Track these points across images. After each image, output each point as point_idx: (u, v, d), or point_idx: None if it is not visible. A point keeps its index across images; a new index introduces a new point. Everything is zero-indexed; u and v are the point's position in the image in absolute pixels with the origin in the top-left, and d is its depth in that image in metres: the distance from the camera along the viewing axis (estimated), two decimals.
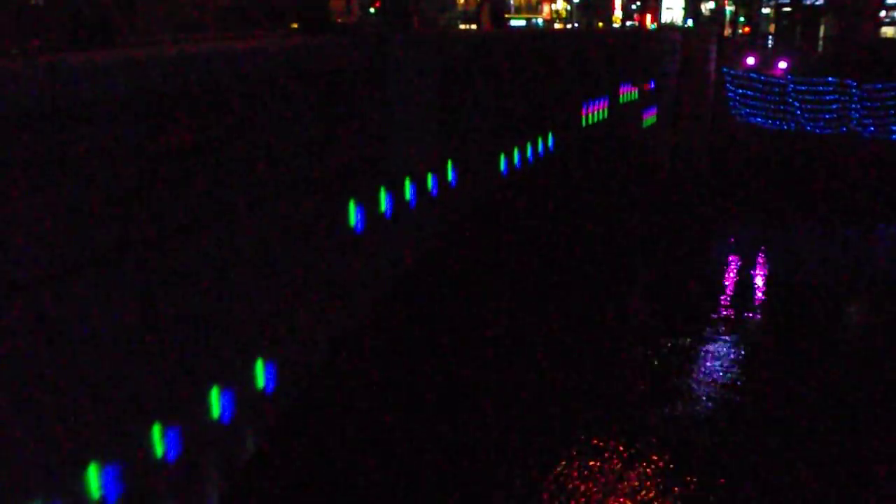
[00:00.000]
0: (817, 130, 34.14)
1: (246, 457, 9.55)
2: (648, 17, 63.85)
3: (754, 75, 38.34)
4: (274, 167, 10.00)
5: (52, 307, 6.70)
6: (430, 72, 14.16)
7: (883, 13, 48.00)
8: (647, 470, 15.57)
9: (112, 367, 7.34)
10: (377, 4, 17.87)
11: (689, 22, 72.63)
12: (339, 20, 16.23)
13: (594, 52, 23.90)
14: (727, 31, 62.36)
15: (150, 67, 7.61)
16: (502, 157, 18.62)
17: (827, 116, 34.51)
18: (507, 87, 18.36)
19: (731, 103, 36.45)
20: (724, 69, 37.87)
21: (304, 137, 10.63)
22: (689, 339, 21.48)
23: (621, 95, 27.16)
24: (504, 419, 17.02)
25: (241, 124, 9.17)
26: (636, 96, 28.54)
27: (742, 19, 64.25)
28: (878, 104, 34.66)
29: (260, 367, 9.73)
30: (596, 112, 24.85)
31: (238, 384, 9.29)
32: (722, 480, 15.34)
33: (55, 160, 6.67)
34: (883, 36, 47.33)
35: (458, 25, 51.62)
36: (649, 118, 30.38)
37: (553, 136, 21.62)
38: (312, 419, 13.36)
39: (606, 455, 16.02)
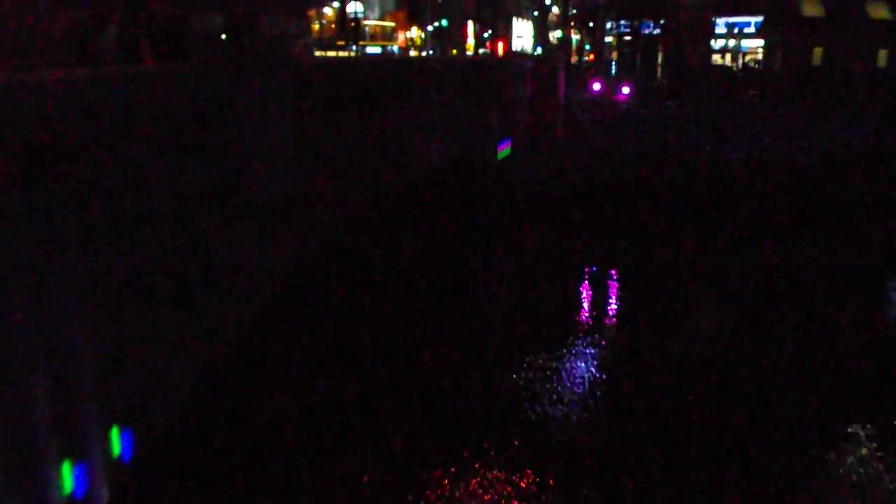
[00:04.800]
0: (660, 151, 36.18)
1: None
2: (500, 45, 65.99)
3: (600, 100, 40.33)
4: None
5: None
6: (284, 99, 14.13)
7: (712, 42, 51.71)
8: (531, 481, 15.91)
9: None
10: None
11: (539, 49, 75.56)
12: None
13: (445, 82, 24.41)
14: (574, 59, 65.47)
15: None
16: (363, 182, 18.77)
17: (668, 138, 36.66)
18: (362, 116, 18.55)
19: (580, 128, 38.14)
20: (572, 95, 39.62)
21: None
22: (555, 354, 22.07)
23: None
24: (381, 440, 16.97)
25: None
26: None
27: (588, 47, 67.73)
28: (712, 125, 37.20)
29: None
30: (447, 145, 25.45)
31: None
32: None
33: None
34: (713, 63, 50.98)
35: (313, 52, 51.69)
36: (504, 150, 31.36)
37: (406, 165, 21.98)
38: None
39: (483, 468, 16.24)
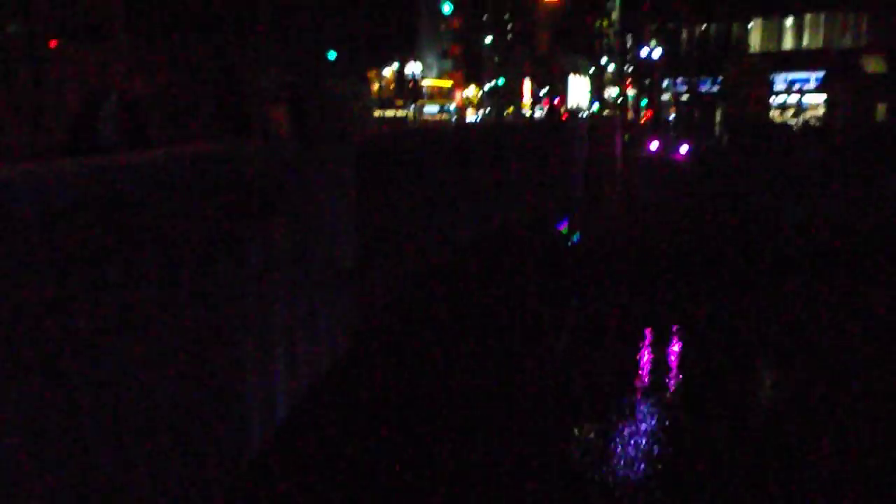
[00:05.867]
0: (720, 211, 35.78)
1: None
2: (557, 101, 66.55)
3: (658, 159, 40.23)
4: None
5: None
6: (347, 175, 14.51)
7: (772, 99, 51.28)
8: None
9: None
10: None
11: (595, 105, 75.94)
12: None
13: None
14: (630, 115, 65.57)
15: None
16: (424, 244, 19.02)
17: (727, 198, 36.27)
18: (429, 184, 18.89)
19: (637, 187, 38.06)
20: (629, 154, 39.67)
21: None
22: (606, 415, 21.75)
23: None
24: None
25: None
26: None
27: (644, 102, 67.74)
28: (772, 184, 36.76)
29: None
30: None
31: None
32: None
33: None
34: (773, 120, 50.48)
35: (372, 111, 52.86)
36: (563, 228, 31.51)
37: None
38: None
39: None
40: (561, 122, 36.15)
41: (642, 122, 53.97)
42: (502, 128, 29.10)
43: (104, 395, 8.29)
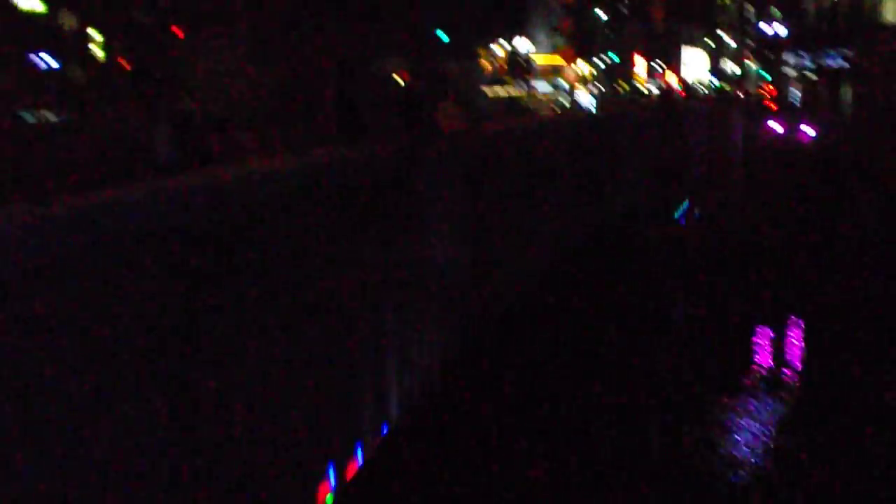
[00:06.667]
0: (853, 202, 33.66)
1: None
2: (674, 78, 64.29)
3: (781, 142, 38.22)
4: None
5: None
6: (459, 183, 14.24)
7: None
8: None
9: None
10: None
11: (713, 79, 73.03)
12: None
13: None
14: (751, 91, 62.62)
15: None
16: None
17: (862, 189, 34.11)
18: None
19: (759, 174, 36.30)
20: (750, 135, 37.83)
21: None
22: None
23: None
24: None
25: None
26: None
27: (766, 76, 64.49)
28: None
29: None
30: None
31: None
32: None
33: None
34: None
35: (481, 89, 52.41)
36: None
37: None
38: None
39: None
40: (676, 106, 34.76)
41: (766, 102, 51.28)
42: (615, 118, 28.20)
43: (222, 403, 8.39)
